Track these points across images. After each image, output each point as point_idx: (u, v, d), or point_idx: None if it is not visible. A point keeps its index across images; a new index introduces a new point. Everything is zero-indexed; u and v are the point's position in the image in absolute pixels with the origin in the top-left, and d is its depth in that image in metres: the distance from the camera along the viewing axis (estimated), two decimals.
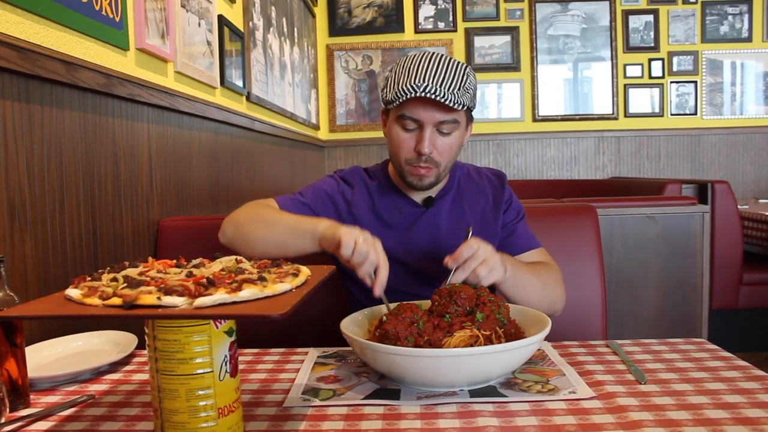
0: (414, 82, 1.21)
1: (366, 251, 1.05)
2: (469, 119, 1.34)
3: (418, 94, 1.19)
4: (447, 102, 1.19)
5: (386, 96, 1.29)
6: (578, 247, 1.62)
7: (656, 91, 4.80)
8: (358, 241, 1.06)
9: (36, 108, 1.22)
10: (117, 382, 0.99)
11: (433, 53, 1.28)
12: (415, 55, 1.28)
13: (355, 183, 1.40)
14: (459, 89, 1.22)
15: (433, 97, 1.19)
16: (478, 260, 1.09)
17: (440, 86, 1.20)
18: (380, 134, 5.09)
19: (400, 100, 1.22)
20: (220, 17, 2.34)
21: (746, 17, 4.75)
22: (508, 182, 1.45)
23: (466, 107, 1.24)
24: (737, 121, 4.82)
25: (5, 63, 1.10)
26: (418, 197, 1.38)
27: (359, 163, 1.39)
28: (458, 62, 1.28)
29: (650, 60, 4.78)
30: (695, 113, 4.81)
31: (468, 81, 1.25)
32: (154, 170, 1.73)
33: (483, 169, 1.47)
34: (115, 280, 0.76)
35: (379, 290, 1.06)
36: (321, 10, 4.75)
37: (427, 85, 1.19)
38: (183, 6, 1.96)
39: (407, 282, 1.31)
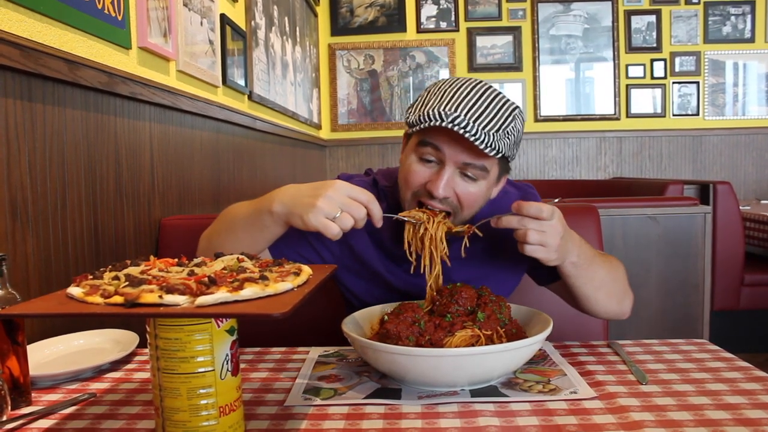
0: (443, 109, 1.01)
1: (349, 219, 0.95)
2: (504, 170, 1.13)
3: (444, 124, 1.00)
4: (477, 142, 1.00)
5: (409, 115, 1.09)
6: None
7: (658, 91, 4.79)
8: (335, 217, 0.94)
9: (38, 106, 1.22)
10: (118, 381, 0.99)
11: (479, 81, 1.08)
12: (456, 80, 1.08)
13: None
14: (498, 131, 1.03)
15: (460, 131, 0.99)
16: (538, 226, 0.97)
17: (473, 121, 1.01)
18: (382, 134, 5.09)
19: (422, 126, 1.03)
20: (222, 16, 2.35)
21: (749, 18, 4.75)
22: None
23: (501, 154, 1.04)
24: (739, 121, 4.81)
25: (8, 61, 1.10)
26: None
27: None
28: (507, 101, 1.07)
29: (652, 60, 4.78)
30: (697, 114, 4.80)
31: (512, 125, 1.06)
32: (156, 169, 1.74)
33: (512, 193, 1.27)
34: (116, 278, 0.76)
35: (378, 221, 0.99)
36: (323, 10, 4.75)
37: (458, 117, 1.00)
38: (185, 5, 1.96)
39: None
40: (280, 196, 1.00)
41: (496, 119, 1.04)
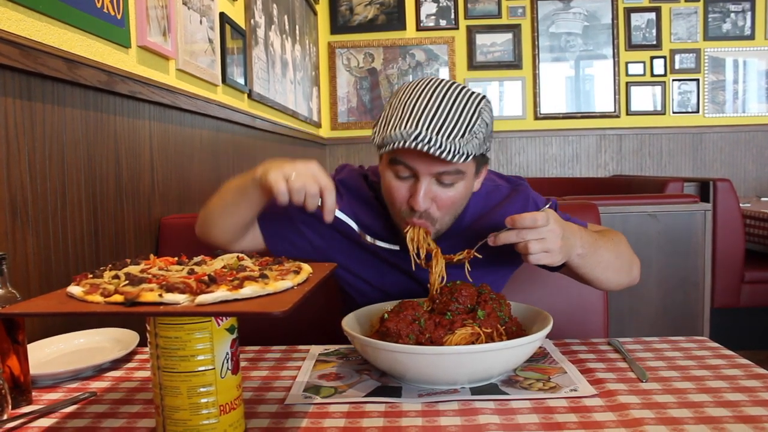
0: (404, 129, 1.00)
1: (302, 186, 0.96)
2: (481, 164, 1.15)
3: (407, 145, 0.99)
4: (444, 155, 0.99)
5: (373, 136, 1.07)
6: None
7: (658, 89, 4.79)
8: (289, 179, 0.96)
9: (38, 105, 1.22)
10: (119, 380, 0.99)
11: (438, 84, 1.07)
12: (413, 88, 1.07)
13: (348, 194, 1.24)
14: (462, 136, 1.02)
15: (425, 148, 0.99)
16: (537, 235, 0.96)
17: (436, 134, 0.99)
18: None
19: (388, 149, 1.02)
20: (222, 15, 2.34)
21: (749, 15, 4.74)
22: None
23: (471, 156, 1.03)
24: (739, 119, 4.81)
25: (7, 60, 1.10)
26: None
27: (361, 162, 1.30)
28: (468, 97, 1.06)
29: (652, 58, 4.77)
30: (697, 111, 4.80)
31: (478, 123, 1.05)
32: (156, 168, 1.73)
33: (503, 186, 1.27)
34: (116, 277, 0.76)
35: (329, 216, 1.00)
36: (322, 8, 4.74)
37: (420, 134, 0.99)
38: (184, 3, 1.96)
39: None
40: (264, 163, 1.03)
41: (459, 124, 1.02)
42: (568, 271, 1.14)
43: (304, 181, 0.96)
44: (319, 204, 1.00)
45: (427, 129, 1.00)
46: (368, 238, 1.12)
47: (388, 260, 1.23)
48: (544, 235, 0.97)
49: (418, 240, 1.11)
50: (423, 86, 1.07)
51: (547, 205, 1.21)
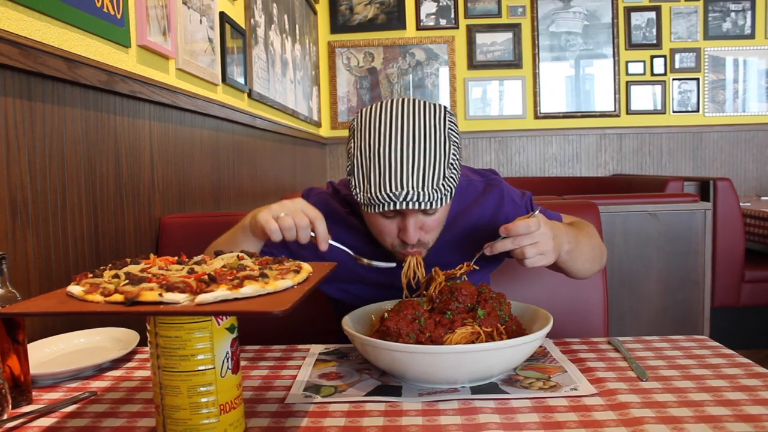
0: (390, 190, 1.02)
1: (290, 223, 1.01)
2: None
3: (396, 206, 1.02)
4: (434, 205, 1.03)
5: (354, 191, 1.08)
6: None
7: (658, 88, 4.79)
8: (278, 217, 1.01)
9: (38, 105, 1.22)
10: (119, 379, 0.99)
11: (404, 121, 1.06)
12: (380, 129, 1.06)
13: (329, 224, 1.19)
14: (444, 177, 1.04)
15: (416, 207, 1.02)
16: (531, 240, 1.01)
17: (423, 188, 1.02)
18: None
19: (377, 210, 1.05)
20: (222, 14, 2.34)
21: (749, 14, 4.74)
22: (509, 180, 1.39)
23: (453, 189, 1.06)
24: (739, 118, 4.81)
25: (7, 60, 1.10)
26: None
27: None
28: (435, 123, 1.06)
29: (652, 57, 4.77)
30: (697, 110, 4.80)
31: (452, 153, 1.06)
32: (156, 167, 1.73)
33: (477, 181, 1.29)
34: (116, 276, 0.76)
35: (323, 245, 1.04)
36: (322, 7, 4.74)
37: (407, 193, 1.01)
38: (184, 3, 1.96)
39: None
40: (252, 212, 1.10)
41: (438, 165, 1.04)
42: (553, 266, 1.17)
43: (293, 215, 1.02)
44: (312, 235, 1.05)
45: (414, 186, 1.02)
46: (365, 261, 1.14)
47: (383, 280, 1.22)
48: (537, 239, 1.02)
49: (414, 268, 1.14)
50: (390, 129, 1.06)
51: (525, 198, 1.29)
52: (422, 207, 1.03)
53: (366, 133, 1.08)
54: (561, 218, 1.31)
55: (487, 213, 1.27)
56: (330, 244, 1.07)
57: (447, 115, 1.10)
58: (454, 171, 1.07)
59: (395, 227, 1.12)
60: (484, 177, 1.32)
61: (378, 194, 1.03)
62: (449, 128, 1.08)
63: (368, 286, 1.25)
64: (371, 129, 1.08)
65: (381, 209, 1.04)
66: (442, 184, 1.04)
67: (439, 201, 1.04)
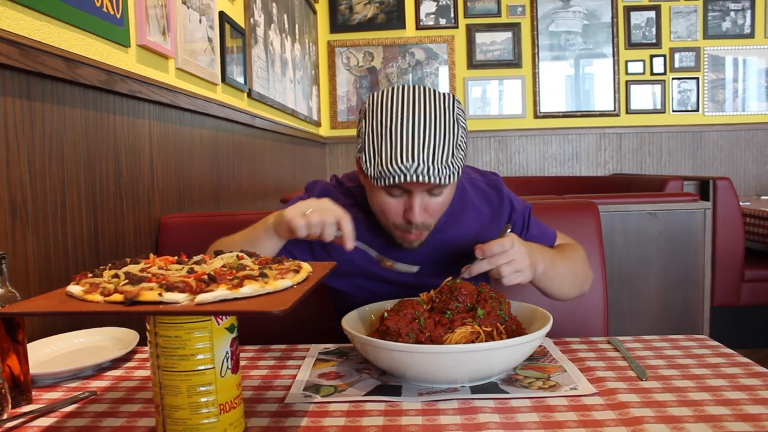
0: (402, 163, 1.03)
1: (318, 219, 1.03)
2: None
3: (408, 179, 1.04)
4: (443, 181, 1.05)
5: (365, 166, 1.09)
6: (579, 244, 1.62)
7: (658, 87, 4.79)
8: (306, 215, 1.03)
9: (37, 105, 1.22)
10: (118, 379, 0.99)
11: (415, 101, 1.08)
12: (392, 108, 1.08)
13: None
14: (453, 155, 1.06)
15: (426, 180, 1.04)
16: (506, 258, 1.04)
17: (433, 162, 1.04)
18: None
19: (388, 183, 1.06)
20: (221, 14, 2.34)
21: (748, 13, 4.74)
22: (509, 179, 1.42)
23: (461, 169, 1.09)
24: (739, 117, 4.81)
25: (6, 60, 1.10)
26: None
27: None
28: (445, 105, 1.09)
29: (652, 56, 4.77)
30: (697, 110, 4.80)
31: (459, 135, 1.09)
32: (156, 167, 1.73)
33: (478, 180, 1.33)
34: (116, 276, 0.76)
35: (350, 243, 1.06)
36: (322, 7, 4.74)
37: (418, 165, 1.03)
38: (184, 2, 1.96)
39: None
40: (275, 212, 1.12)
41: (448, 144, 1.06)
42: (531, 285, 1.20)
43: (321, 213, 1.03)
44: (338, 235, 1.06)
45: (425, 160, 1.04)
46: (388, 263, 1.15)
47: (399, 278, 1.23)
48: (512, 257, 1.05)
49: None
50: (402, 108, 1.08)
51: (525, 207, 1.32)
52: (432, 181, 1.04)
53: (378, 112, 1.10)
54: (555, 235, 1.35)
55: (487, 212, 1.29)
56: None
57: (455, 102, 1.12)
58: (462, 153, 1.09)
59: (401, 207, 1.13)
60: (486, 177, 1.35)
61: (389, 167, 1.04)
62: (457, 113, 1.11)
63: (383, 282, 1.26)
64: (383, 108, 1.09)
65: (392, 182, 1.05)
66: (451, 162, 1.06)
67: (448, 177, 1.05)
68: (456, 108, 1.11)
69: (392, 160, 1.04)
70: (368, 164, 1.09)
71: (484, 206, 1.30)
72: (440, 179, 1.04)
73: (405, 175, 1.04)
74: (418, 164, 1.03)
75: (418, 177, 1.03)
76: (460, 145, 1.08)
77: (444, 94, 1.12)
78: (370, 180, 1.11)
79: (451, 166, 1.05)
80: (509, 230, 1.13)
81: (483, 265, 1.05)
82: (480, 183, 1.32)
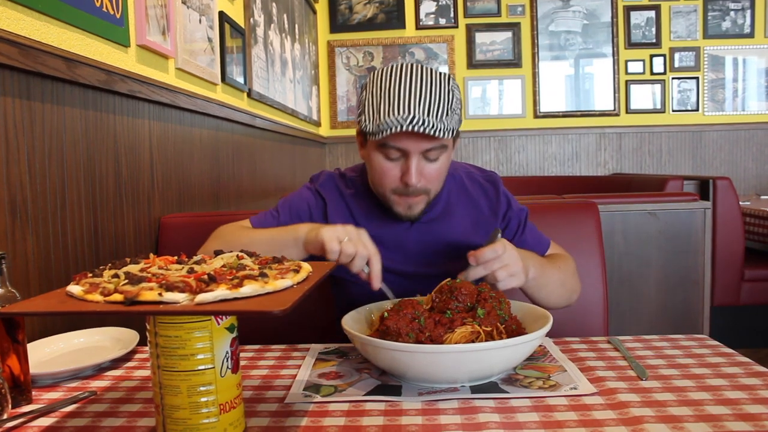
0: (399, 114, 1.09)
1: (353, 250, 1.05)
2: (456, 137, 1.24)
3: (404, 128, 1.09)
4: (437, 134, 1.09)
5: (365, 124, 1.16)
6: (579, 244, 1.62)
7: (658, 87, 4.79)
8: (342, 240, 1.05)
9: (37, 105, 1.22)
10: (118, 379, 0.99)
11: (411, 67, 1.16)
12: (392, 73, 1.15)
13: (330, 196, 1.31)
14: (447, 114, 1.12)
15: (422, 130, 1.08)
16: (500, 263, 1.06)
17: (428, 115, 1.09)
18: None
19: (385, 134, 1.11)
20: (221, 14, 2.34)
21: (748, 13, 4.74)
22: (509, 179, 1.44)
23: (455, 131, 1.14)
24: (739, 117, 4.81)
25: (6, 60, 1.10)
26: None
27: (359, 160, 1.34)
28: (441, 76, 1.16)
29: (652, 56, 4.77)
30: (697, 109, 4.80)
31: (454, 99, 1.15)
32: (155, 167, 1.73)
33: (476, 174, 1.38)
34: (116, 276, 0.76)
35: (377, 282, 1.07)
36: (322, 7, 4.74)
37: (414, 116, 1.08)
38: (184, 2, 1.96)
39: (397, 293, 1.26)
40: (308, 225, 1.16)
41: (442, 103, 1.13)
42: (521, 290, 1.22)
43: (356, 244, 1.05)
44: (365, 270, 1.08)
45: (420, 112, 1.10)
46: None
47: (399, 270, 1.26)
48: (506, 261, 1.07)
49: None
50: (399, 73, 1.15)
51: (522, 211, 1.35)
52: (426, 131, 1.09)
53: (378, 79, 1.17)
54: (549, 244, 1.37)
55: (484, 204, 1.33)
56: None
57: (451, 78, 1.19)
58: (456, 118, 1.15)
59: (398, 171, 1.17)
60: (484, 173, 1.39)
61: (386, 119, 1.10)
62: (453, 86, 1.17)
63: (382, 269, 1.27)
64: (383, 76, 1.16)
65: (389, 132, 1.10)
66: (446, 120, 1.11)
67: (442, 131, 1.09)
68: (452, 82, 1.17)
69: (389, 113, 1.10)
70: (367, 122, 1.16)
71: (481, 198, 1.33)
72: (435, 131, 1.09)
73: (401, 126, 1.08)
74: (414, 116, 1.09)
75: (413, 127, 1.08)
76: (454, 110, 1.14)
77: (441, 71, 1.19)
78: (368, 139, 1.18)
79: (445, 123, 1.10)
80: (499, 235, 1.14)
81: (479, 271, 1.07)
82: (478, 177, 1.37)
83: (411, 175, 1.15)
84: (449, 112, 1.13)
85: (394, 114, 1.10)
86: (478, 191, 1.34)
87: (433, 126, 1.09)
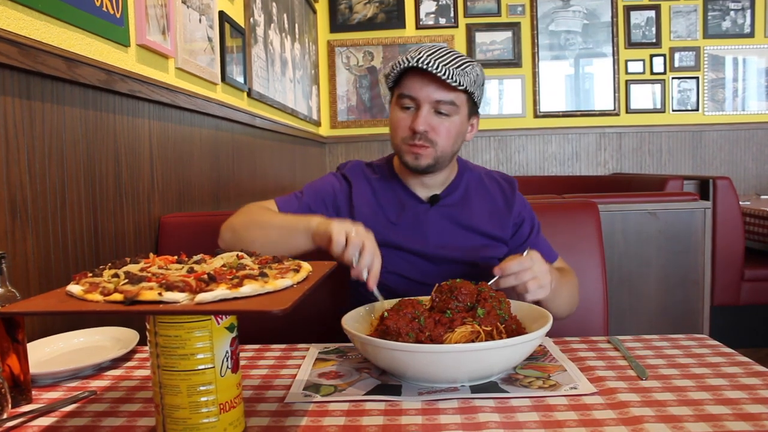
0: (410, 56, 1.22)
1: (358, 244, 1.06)
2: (473, 111, 1.32)
3: (411, 64, 1.20)
4: (443, 76, 1.19)
5: (388, 75, 1.30)
6: (580, 243, 1.62)
7: (658, 87, 4.79)
8: (349, 235, 1.07)
9: (37, 104, 1.22)
10: (118, 378, 0.99)
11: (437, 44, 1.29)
12: (422, 44, 1.30)
13: (356, 179, 1.38)
14: (458, 68, 1.22)
15: (425, 67, 1.19)
16: (531, 275, 1.09)
17: (435, 60, 1.20)
18: (382, 130, 5.10)
19: (396, 71, 1.25)
20: (221, 13, 2.34)
21: (748, 13, 4.74)
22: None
23: (465, 88, 1.23)
24: (739, 117, 4.81)
25: (6, 59, 1.10)
26: (423, 193, 1.36)
27: (361, 159, 1.39)
28: (465, 55, 1.28)
29: (652, 56, 4.77)
30: (697, 109, 4.80)
31: (470, 67, 1.24)
32: (155, 166, 1.73)
33: (495, 174, 1.45)
34: (116, 276, 0.76)
35: (373, 283, 1.08)
36: (322, 6, 4.74)
37: (423, 58, 1.20)
38: (184, 2, 1.96)
39: (413, 276, 1.32)
40: (320, 217, 1.18)
41: (454, 60, 1.23)
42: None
43: (363, 240, 1.07)
44: (366, 272, 1.08)
45: (431, 56, 1.21)
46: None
47: (414, 250, 1.34)
48: (536, 273, 1.10)
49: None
50: (429, 44, 1.30)
51: (536, 221, 1.42)
52: (432, 71, 1.19)
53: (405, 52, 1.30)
54: (558, 257, 1.42)
55: (500, 198, 1.39)
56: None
57: (477, 62, 1.30)
58: (469, 77, 1.24)
59: (409, 120, 1.27)
60: (503, 175, 1.46)
61: (400, 60, 1.24)
62: (475, 63, 1.28)
63: (395, 249, 1.32)
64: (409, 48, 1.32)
65: (400, 68, 1.23)
66: (455, 71, 1.21)
67: (448, 77, 1.19)
68: (477, 63, 1.28)
69: (406, 57, 1.23)
70: (390, 72, 1.28)
71: (497, 193, 1.40)
72: (443, 74, 1.19)
73: (409, 62, 1.21)
74: (424, 58, 1.20)
75: (421, 64, 1.19)
76: (468, 72, 1.23)
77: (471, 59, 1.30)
78: (388, 86, 1.32)
79: (453, 72, 1.20)
80: (527, 251, 1.16)
81: (509, 280, 1.10)
82: (496, 176, 1.44)
83: (419, 120, 1.24)
84: (459, 67, 1.22)
85: (408, 56, 1.22)
86: (495, 187, 1.41)
87: (439, 69, 1.18)
